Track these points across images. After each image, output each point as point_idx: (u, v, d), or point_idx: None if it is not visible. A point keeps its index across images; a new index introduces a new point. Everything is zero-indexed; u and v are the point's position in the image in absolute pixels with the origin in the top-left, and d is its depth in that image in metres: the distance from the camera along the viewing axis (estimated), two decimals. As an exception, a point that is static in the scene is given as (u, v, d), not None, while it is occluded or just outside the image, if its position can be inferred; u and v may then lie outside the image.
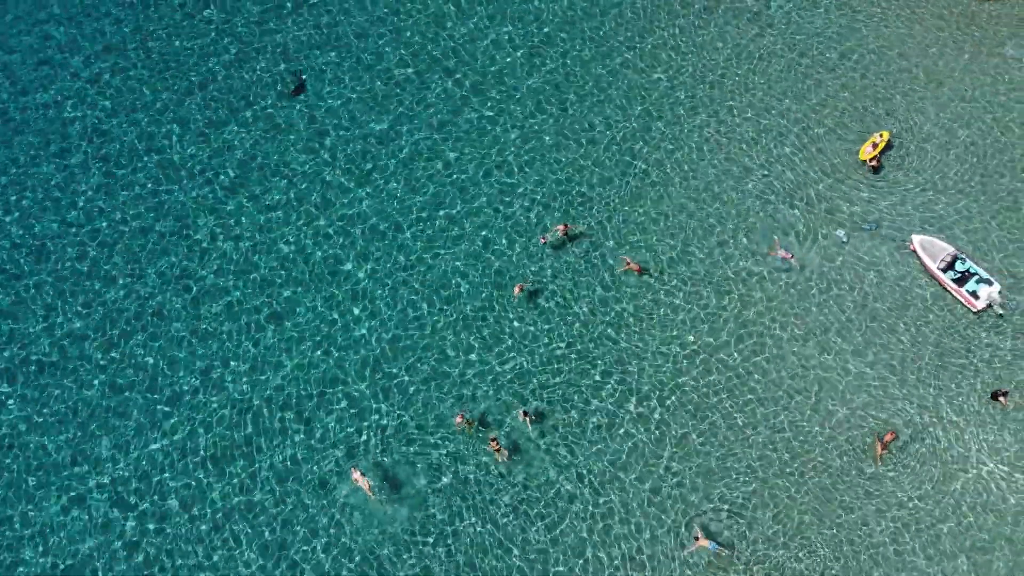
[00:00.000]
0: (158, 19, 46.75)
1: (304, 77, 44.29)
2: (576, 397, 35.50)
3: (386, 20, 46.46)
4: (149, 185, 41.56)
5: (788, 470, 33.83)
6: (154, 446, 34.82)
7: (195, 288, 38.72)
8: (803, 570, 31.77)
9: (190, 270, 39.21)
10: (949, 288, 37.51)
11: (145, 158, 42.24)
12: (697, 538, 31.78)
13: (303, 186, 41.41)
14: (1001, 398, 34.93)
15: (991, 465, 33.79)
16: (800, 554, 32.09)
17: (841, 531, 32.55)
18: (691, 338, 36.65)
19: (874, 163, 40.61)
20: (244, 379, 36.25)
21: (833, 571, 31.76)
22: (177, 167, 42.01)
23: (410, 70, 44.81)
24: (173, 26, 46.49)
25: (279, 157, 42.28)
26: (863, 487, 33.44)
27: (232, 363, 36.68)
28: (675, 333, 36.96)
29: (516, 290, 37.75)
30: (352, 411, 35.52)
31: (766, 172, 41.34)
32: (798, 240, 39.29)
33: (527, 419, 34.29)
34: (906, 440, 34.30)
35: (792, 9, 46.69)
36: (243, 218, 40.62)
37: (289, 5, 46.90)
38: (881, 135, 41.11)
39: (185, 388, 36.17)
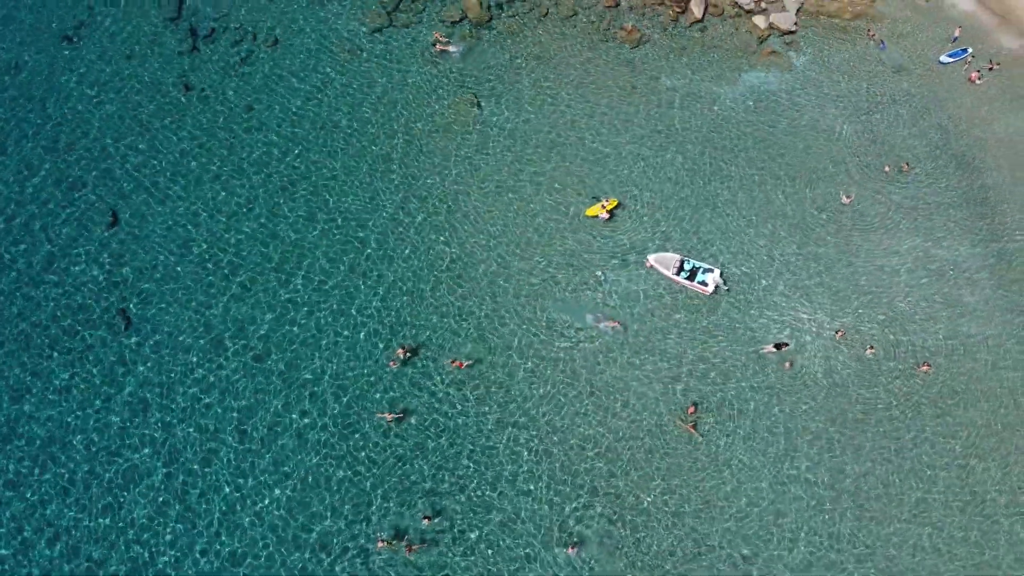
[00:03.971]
0: None
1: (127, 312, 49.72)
2: (461, 484, 44.84)
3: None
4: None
5: (639, 466, 45.35)
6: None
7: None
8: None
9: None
10: (686, 285, 50.73)
11: None
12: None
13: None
14: (782, 347, 48.60)
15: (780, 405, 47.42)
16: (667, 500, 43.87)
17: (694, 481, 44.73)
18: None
19: (606, 216, 53.05)
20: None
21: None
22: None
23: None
24: None
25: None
26: (687, 452, 45.73)
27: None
28: (534, 401, 47.33)
29: (387, 417, 46.34)
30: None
31: (545, 248, 52.55)
32: (606, 298, 50.76)
33: (428, 520, 43.52)
34: (708, 408, 47.01)
35: (502, 112, 58.34)
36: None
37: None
38: (610, 200, 53.73)
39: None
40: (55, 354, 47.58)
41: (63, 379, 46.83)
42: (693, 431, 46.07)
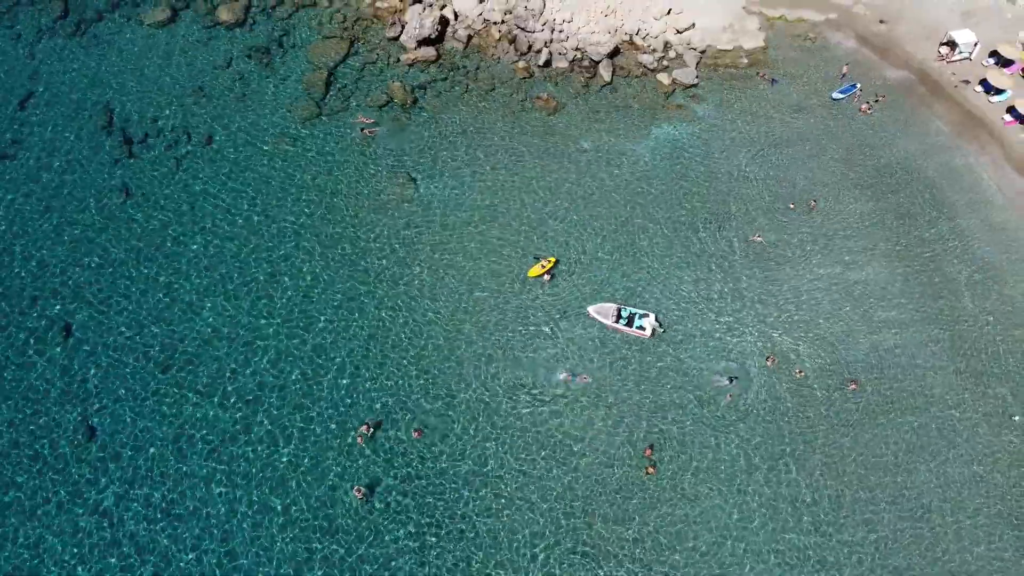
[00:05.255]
0: None
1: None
2: (435, 543, 46.53)
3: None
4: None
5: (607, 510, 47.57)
6: None
7: None
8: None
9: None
10: (626, 331, 53.89)
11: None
12: None
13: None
14: (732, 380, 51.74)
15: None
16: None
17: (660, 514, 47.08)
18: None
19: (547, 277, 56.23)
20: None
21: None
22: None
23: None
24: None
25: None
26: (650, 487, 48.17)
27: None
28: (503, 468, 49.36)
29: (357, 493, 47.73)
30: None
31: (493, 310, 55.15)
32: (560, 352, 53.41)
33: None
34: (664, 448, 49.68)
35: (437, 186, 61.52)
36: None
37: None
38: (549, 260, 57.09)
39: None
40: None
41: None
42: (652, 471, 48.54)
